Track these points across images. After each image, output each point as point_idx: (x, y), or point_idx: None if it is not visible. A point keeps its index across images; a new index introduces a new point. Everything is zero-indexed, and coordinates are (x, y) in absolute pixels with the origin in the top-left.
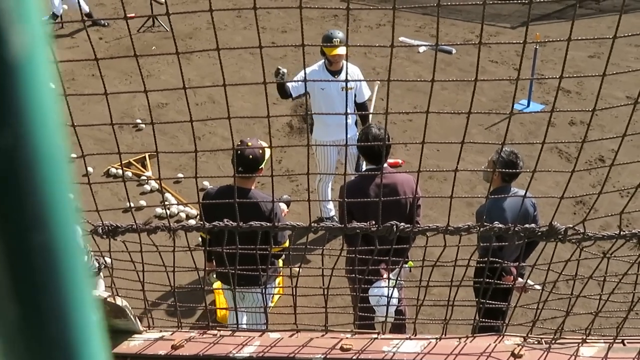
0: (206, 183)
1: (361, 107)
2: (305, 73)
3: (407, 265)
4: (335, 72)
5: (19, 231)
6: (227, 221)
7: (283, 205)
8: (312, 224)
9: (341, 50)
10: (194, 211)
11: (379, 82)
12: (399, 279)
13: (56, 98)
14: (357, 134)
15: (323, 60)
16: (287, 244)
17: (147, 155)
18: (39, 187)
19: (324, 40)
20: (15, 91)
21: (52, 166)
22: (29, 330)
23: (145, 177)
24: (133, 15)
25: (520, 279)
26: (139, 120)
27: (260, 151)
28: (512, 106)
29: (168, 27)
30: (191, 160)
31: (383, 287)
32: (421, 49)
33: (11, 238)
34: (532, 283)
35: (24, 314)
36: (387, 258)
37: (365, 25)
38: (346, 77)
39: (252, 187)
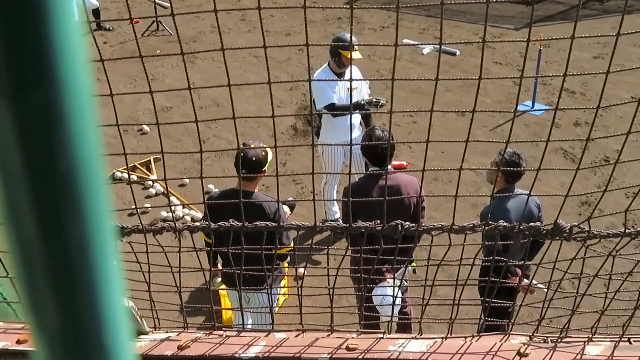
0: (211, 186)
1: (363, 107)
2: (310, 76)
3: (410, 267)
4: (341, 75)
5: (49, 192)
6: (232, 222)
7: (286, 209)
8: (318, 225)
9: (357, 55)
10: (200, 214)
11: (368, 81)
12: (403, 280)
13: (85, 50)
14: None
15: (327, 64)
16: (292, 246)
17: (152, 158)
18: (71, 146)
19: (340, 43)
20: (48, 44)
21: (84, 124)
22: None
23: (151, 181)
24: (138, 19)
25: (525, 280)
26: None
27: (263, 153)
28: (516, 106)
29: (172, 31)
30: (196, 164)
31: (387, 287)
32: (425, 51)
33: (42, 202)
34: (536, 282)
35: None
36: (392, 258)
37: (369, 28)
38: (351, 76)
39: (256, 190)
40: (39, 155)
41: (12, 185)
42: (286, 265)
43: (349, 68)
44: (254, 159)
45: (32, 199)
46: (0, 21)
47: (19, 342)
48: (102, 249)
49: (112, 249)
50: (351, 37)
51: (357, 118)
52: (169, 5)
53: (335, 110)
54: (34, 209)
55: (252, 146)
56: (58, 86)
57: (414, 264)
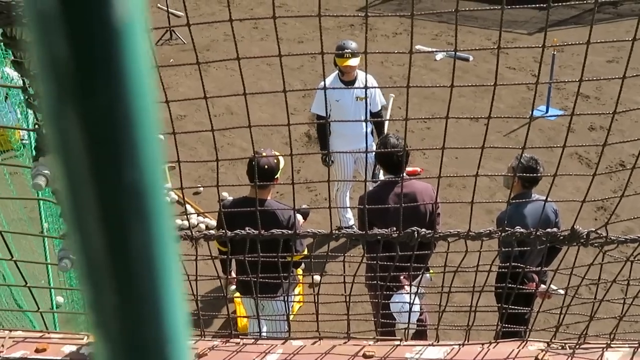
0: (225, 194)
1: (375, 116)
2: (325, 83)
3: (428, 274)
4: (349, 83)
5: (112, 191)
6: (248, 229)
7: (299, 217)
8: (334, 232)
9: (353, 62)
10: (213, 222)
11: (392, 95)
12: (420, 287)
13: (150, 64)
14: (373, 143)
15: (336, 72)
16: (305, 253)
17: (166, 167)
18: (132, 144)
19: (336, 51)
20: (116, 54)
21: (145, 127)
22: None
23: (165, 189)
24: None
25: (542, 286)
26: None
27: (275, 160)
28: (532, 111)
29: (185, 39)
30: (210, 172)
31: (404, 293)
32: (438, 57)
33: (107, 207)
34: (555, 288)
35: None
36: (409, 264)
37: (381, 34)
38: (365, 84)
39: (268, 197)
40: (102, 159)
41: (77, 190)
42: (300, 272)
43: (358, 76)
44: (266, 167)
45: (97, 202)
46: (64, 21)
47: (37, 351)
48: (164, 254)
49: (174, 255)
50: (365, 43)
51: (365, 126)
52: (182, 13)
53: (318, 121)
54: (99, 213)
55: (264, 154)
56: (122, 90)
57: (431, 272)
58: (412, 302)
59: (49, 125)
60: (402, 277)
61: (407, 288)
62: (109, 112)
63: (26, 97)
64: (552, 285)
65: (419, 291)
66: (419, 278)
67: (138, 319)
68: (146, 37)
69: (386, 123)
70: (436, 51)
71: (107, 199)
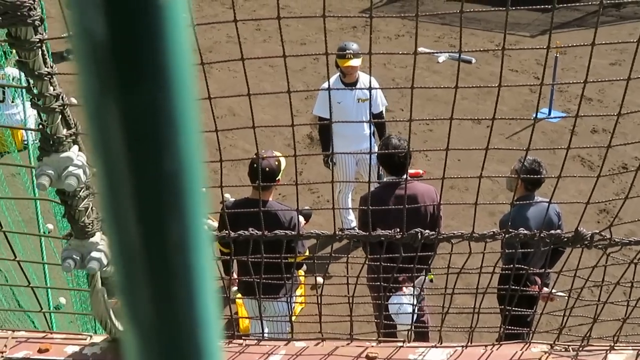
0: (227, 195)
1: (377, 117)
2: (329, 84)
3: (427, 277)
4: (350, 84)
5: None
6: (252, 230)
7: (301, 218)
8: (337, 233)
9: (354, 62)
10: (215, 223)
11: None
12: (419, 288)
13: (191, 54)
14: (375, 144)
15: (338, 74)
16: (307, 254)
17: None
18: (173, 136)
19: (337, 52)
20: (158, 43)
21: (186, 118)
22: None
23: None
24: None
25: (545, 288)
26: None
27: (276, 162)
28: (536, 114)
29: None
30: (212, 173)
31: (402, 295)
32: (440, 59)
33: (144, 199)
34: (555, 291)
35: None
36: (411, 266)
37: (384, 36)
38: (369, 85)
39: (270, 199)
40: (142, 153)
41: (115, 183)
42: (301, 273)
43: (360, 77)
44: (267, 169)
45: (135, 195)
46: (109, 15)
47: (40, 351)
48: (199, 248)
49: (207, 250)
50: (370, 45)
51: (367, 128)
52: (185, 15)
53: (320, 122)
54: (136, 206)
55: (265, 156)
56: (164, 83)
57: (431, 275)
58: (413, 304)
59: (87, 118)
60: (400, 279)
61: (405, 289)
62: (150, 103)
63: (30, 97)
64: (554, 289)
65: (417, 293)
66: (418, 279)
67: (172, 312)
68: (187, 21)
69: (386, 124)
70: (439, 53)
71: (145, 192)
